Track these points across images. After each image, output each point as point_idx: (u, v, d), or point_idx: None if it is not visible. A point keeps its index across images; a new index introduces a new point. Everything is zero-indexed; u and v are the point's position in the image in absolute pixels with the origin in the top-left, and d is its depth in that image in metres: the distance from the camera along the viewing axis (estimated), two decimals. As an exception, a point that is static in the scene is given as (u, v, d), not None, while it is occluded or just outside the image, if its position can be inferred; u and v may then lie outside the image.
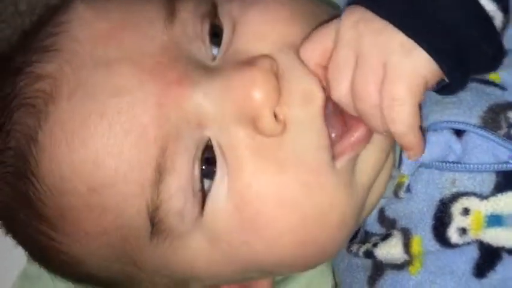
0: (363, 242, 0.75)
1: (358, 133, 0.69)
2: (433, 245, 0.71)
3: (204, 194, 0.68)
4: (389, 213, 0.74)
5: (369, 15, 0.67)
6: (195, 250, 0.70)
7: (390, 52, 0.65)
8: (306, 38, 0.70)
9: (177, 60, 0.67)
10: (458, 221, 0.70)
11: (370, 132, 0.69)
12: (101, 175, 0.66)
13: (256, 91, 0.65)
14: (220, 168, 0.67)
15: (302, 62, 0.69)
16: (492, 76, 0.72)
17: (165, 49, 0.68)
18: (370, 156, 0.71)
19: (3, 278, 0.91)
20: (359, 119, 0.68)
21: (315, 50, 0.69)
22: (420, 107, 0.67)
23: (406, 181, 0.72)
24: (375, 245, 0.73)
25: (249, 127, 0.67)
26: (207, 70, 0.68)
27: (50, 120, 0.67)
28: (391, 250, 0.72)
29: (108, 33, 0.68)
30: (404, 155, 0.71)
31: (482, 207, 0.69)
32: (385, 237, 0.73)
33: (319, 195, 0.68)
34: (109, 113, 0.66)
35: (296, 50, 0.69)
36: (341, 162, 0.68)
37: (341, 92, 0.67)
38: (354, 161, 0.70)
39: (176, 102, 0.66)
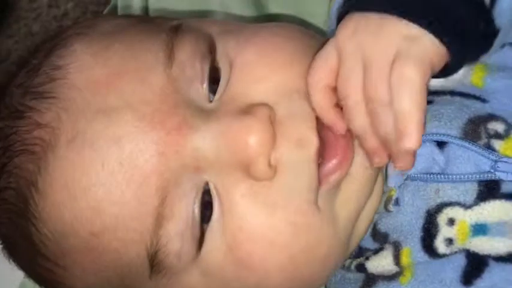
0: (357, 257, 0.77)
1: (331, 164, 0.70)
2: (421, 256, 0.72)
3: (201, 236, 0.70)
4: (381, 227, 0.75)
5: (363, 17, 0.67)
6: (191, 283, 0.72)
7: (395, 46, 0.65)
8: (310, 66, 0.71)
9: (176, 107, 0.68)
10: (444, 231, 0.71)
11: (345, 162, 0.70)
12: (102, 222, 0.68)
13: (252, 140, 0.67)
14: (216, 210, 0.69)
15: (299, 105, 0.70)
16: (475, 80, 0.74)
17: (164, 95, 0.68)
18: (351, 190, 0.72)
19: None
20: (336, 148, 0.70)
21: (322, 72, 0.70)
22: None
23: (395, 194, 0.74)
24: (367, 258, 0.75)
25: (243, 172, 0.68)
26: (205, 114, 0.69)
27: (49, 168, 0.68)
28: (381, 262, 0.74)
29: (106, 80, 0.69)
30: (390, 169, 0.73)
31: (466, 217, 0.70)
32: (377, 251, 0.75)
33: (305, 234, 0.70)
34: (110, 162, 0.67)
35: (295, 92, 0.71)
36: (321, 198, 0.70)
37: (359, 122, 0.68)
38: (333, 195, 0.71)
39: (176, 150, 0.67)
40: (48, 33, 0.91)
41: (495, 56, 0.74)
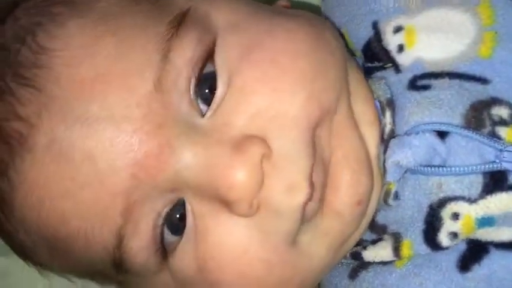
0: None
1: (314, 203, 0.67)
2: (423, 249, 0.69)
3: (168, 250, 0.68)
4: (379, 219, 0.72)
5: None
6: (162, 283, 0.71)
7: None
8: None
9: (160, 127, 0.64)
10: (448, 225, 0.68)
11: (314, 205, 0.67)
12: (66, 230, 0.67)
13: (237, 182, 0.63)
14: (190, 229, 0.67)
15: (297, 144, 0.65)
16: (484, 52, 0.70)
17: (150, 112, 0.64)
18: (332, 227, 0.68)
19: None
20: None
21: None
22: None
23: (394, 188, 0.71)
24: (364, 247, 0.72)
25: (222, 204, 0.65)
26: (194, 133, 0.65)
27: (24, 167, 0.66)
28: (379, 252, 0.71)
29: (92, 82, 0.65)
30: (388, 163, 0.69)
31: (472, 212, 0.67)
32: (376, 241, 0.72)
33: (280, 269, 0.67)
34: (81, 177, 0.64)
35: (294, 128, 0.66)
36: (300, 234, 0.67)
37: None
38: (312, 231, 0.68)
39: (151, 174, 0.64)
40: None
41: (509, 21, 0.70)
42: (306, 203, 0.65)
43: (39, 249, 0.71)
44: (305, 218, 0.66)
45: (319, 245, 0.68)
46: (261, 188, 0.64)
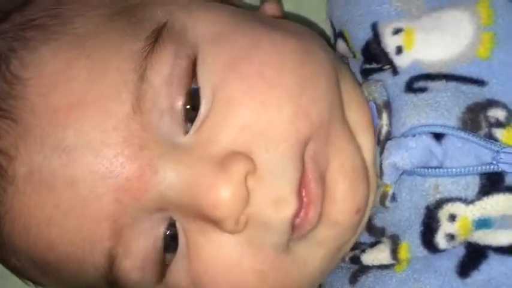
0: (351, 249, 0.73)
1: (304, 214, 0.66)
2: (421, 251, 0.69)
3: (163, 266, 0.68)
4: (377, 222, 0.72)
5: None
6: None
7: None
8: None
9: (141, 149, 0.63)
10: (445, 227, 0.68)
11: (314, 214, 0.66)
12: (55, 256, 0.67)
13: (222, 202, 0.63)
14: (182, 245, 0.67)
15: (284, 158, 0.65)
16: (482, 53, 0.70)
17: (130, 135, 0.63)
18: (326, 235, 0.68)
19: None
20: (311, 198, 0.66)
21: None
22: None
23: (391, 190, 0.70)
24: (363, 251, 0.72)
25: (209, 221, 0.65)
26: (176, 153, 0.64)
27: (7, 198, 0.66)
28: (378, 255, 0.71)
29: (67, 110, 0.64)
30: (385, 164, 0.69)
31: (468, 213, 0.67)
32: (374, 244, 0.72)
33: (273, 277, 0.67)
34: (64, 204, 0.64)
35: (281, 142, 0.65)
36: (292, 242, 0.67)
37: None
38: (305, 240, 0.68)
39: (135, 197, 0.64)
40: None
41: (508, 22, 0.70)
42: (295, 216, 0.65)
43: (32, 271, 0.72)
44: (301, 234, 0.66)
45: (314, 254, 0.68)
46: (246, 204, 0.64)
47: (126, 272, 0.66)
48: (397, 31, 0.72)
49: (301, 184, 0.65)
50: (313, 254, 0.68)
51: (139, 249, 0.66)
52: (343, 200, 0.67)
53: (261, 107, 0.65)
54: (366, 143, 0.70)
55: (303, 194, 0.65)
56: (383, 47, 0.73)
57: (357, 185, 0.68)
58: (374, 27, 0.74)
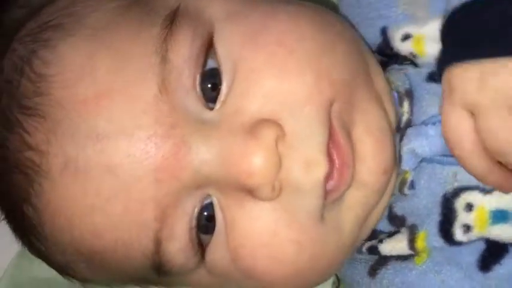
0: (369, 239, 0.74)
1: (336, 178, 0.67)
2: (437, 240, 0.69)
3: (203, 247, 0.69)
4: (398, 210, 0.72)
5: (482, 65, 0.62)
6: (200, 279, 0.72)
7: None
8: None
9: (173, 127, 0.65)
10: (462, 217, 0.68)
11: (346, 175, 0.66)
12: (101, 244, 0.67)
13: (256, 168, 0.64)
14: (219, 223, 0.68)
15: (311, 121, 0.65)
16: None
17: (160, 115, 0.64)
18: (357, 197, 0.68)
19: (1, 256, 0.92)
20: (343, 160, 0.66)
21: (466, 140, 0.64)
22: None
23: (410, 177, 0.71)
24: (381, 241, 0.72)
25: (245, 192, 0.66)
26: (206, 128, 0.65)
27: (45, 194, 0.67)
28: (396, 245, 0.71)
29: (94, 100, 0.65)
30: (404, 150, 0.70)
31: (485, 202, 0.67)
32: (393, 234, 0.72)
33: (310, 248, 0.68)
34: (105, 191, 0.65)
35: (306, 105, 0.66)
36: (326, 209, 0.67)
37: None
38: (338, 203, 0.68)
39: (174, 175, 0.65)
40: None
41: None
42: (326, 177, 0.65)
43: (77, 265, 0.72)
44: (335, 197, 0.67)
45: (346, 219, 0.69)
46: (279, 169, 0.65)
47: (171, 256, 0.67)
48: (405, 37, 0.72)
49: (330, 145, 0.66)
50: (345, 218, 0.69)
51: (182, 231, 0.66)
52: (372, 159, 0.67)
53: (282, 73, 0.66)
54: (391, 111, 0.71)
55: (334, 156, 0.66)
56: (396, 52, 0.74)
57: (383, 144, 0.68)
58: (383, 31, 0.74)
